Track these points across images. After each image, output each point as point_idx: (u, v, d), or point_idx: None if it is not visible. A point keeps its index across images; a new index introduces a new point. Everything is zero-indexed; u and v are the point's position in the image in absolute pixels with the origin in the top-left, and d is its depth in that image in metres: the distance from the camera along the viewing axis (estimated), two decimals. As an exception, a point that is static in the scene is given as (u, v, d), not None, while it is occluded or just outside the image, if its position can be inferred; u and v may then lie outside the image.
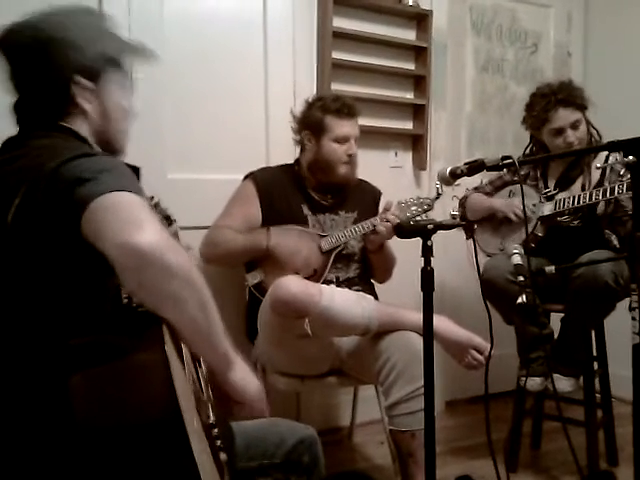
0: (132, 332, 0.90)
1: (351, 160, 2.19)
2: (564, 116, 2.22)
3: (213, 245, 2.13)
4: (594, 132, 2.32)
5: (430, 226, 1.37)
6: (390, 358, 1.83)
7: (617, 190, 2.01)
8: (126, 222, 0.85)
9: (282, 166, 2.31)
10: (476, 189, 2.50)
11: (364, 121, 2.40)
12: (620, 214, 2.17)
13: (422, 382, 1.34)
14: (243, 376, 1.01)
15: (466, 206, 2.47)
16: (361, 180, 2.34)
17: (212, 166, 2.40)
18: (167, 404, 0.78)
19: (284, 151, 2.44)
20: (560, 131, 2.24)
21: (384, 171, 2.78)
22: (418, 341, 1.69)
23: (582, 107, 2.25)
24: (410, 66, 2.84)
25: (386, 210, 2.14)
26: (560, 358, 2.17)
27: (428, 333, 1.37)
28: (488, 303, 1.51)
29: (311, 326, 1.82)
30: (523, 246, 1.69)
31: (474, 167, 1.47)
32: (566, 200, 2.18)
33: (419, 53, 2.83)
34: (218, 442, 0.93)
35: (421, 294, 1.35)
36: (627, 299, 2.07)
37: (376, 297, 2.19)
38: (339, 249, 2.16)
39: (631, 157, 1.30)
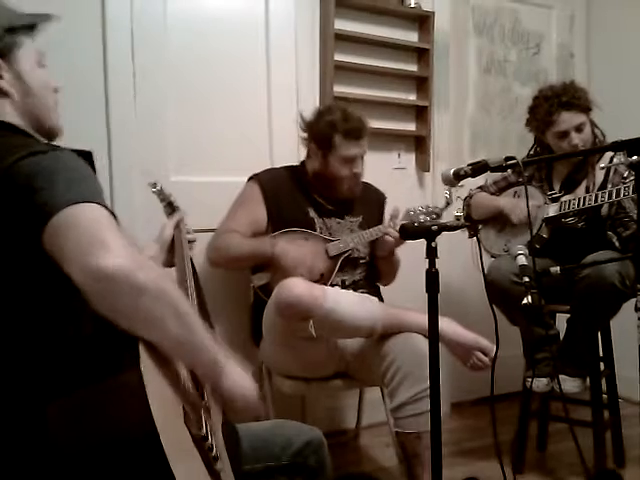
0: (108, 353, 0.87)
1: (356, 178, 2.17)
2: (568, 119, 2.21)
3: (219, 250, 2.13)
4: (598, 133, 2.31)
5: (434, 227, 1.37)
6: (395, 360, 1.82)
7: (623, 192, 2.00)
8: (89, 243, 0.81)
9: (287, 167, 2.30)
10: (481, 188, 2.50)
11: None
12: (621, 215, 2.17)
13: (428, 384, 1.34)
14: (234, 381, 0.97)
15: (471, 205, 2.47)
16: (366, 183, 2.33)
17: (215, 168, 2.40)
18: (143, 425, 0.75)
19: (287, 153, 2.44)
20: (564, 134, 2.23)
21: (387, 173, 2.78)
22: (423, 343, 1.68)
23: (586, 109, 2.25)
24: (412, 68, 2.84)
25: (394, 217, 2.14)
26: (566, 359, 2.16)
27: (433, 335, 1.37)
28: (493, 304, 1.50)
29: (316, 328, 1.82)
30: (528, 247, 1.68)
31: (478, 168, 1.47)
32: (571, 202, 2.17)
33: (421, 54, 2.83)
34: (213, 453, 0.91)
35: (426, 296, 1.35)
36: (633, 299, 2.07)
37: (381, 299, 2.19)
38: (346, 255, 2.16)
39: (635, 157, 1.30)
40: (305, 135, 2.22)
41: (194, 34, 2.36)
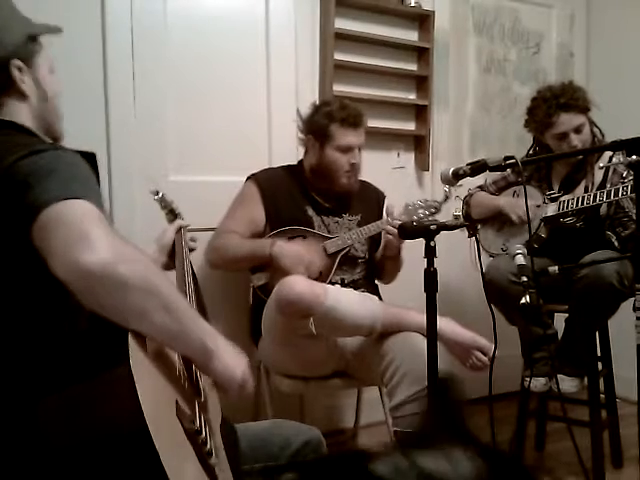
0: (101, 348, 0.88)
1: (353, 169, 2.17)
2: (567, 121, 2.21)
3: (218, 251, 2.14)
4: (597, 132, 2.31)
5: (433, 227, 1.37)
6: (394, 359, 1.83)
7: (621, 192, 2.01)
8: (73, 239, 0.82)
9: (285, 167, 2.31)
10: (480, 187, 2.50)
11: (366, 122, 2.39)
12: (620, 215, 2.17)
13: (426, 383, 1.34)
14: (225, 363, 0.97)
15: (471, 204, 2.47)
16: (364, 182, 2.33)
17: (214, 168, 2.40)
18: (133, 420, 0.75)
19: (287, 152, 2.44)
20: (564, 136, 2.22)
21: (386, 172, 2.78)
22: (423, 342, 1.68)
23: (584, 109, 2.24)
24: (412, 67, 2.84)
25: (390, 214, 2.14)
26: (564, 359, 2.17)
27: (432, 334, 1.37)
28: (491, 304, 1.50)
29: (316, 326, 1.82)
30: (526, 247, 1.68)
31: (477, 167, 1.47)
32: (570, 201, 2.17)
33: (421, 54, 2.83)
34: (206, 447, 0.91)
35: (424, 295, 1.35)
36: (631, 299, 2.08)
37: (380, 298, 2.19)
38: (345, 252, 2.16)
39: (634, 156, 1.30)
40: (302, 134, 2.23)
41: (194, 33, 2.36)
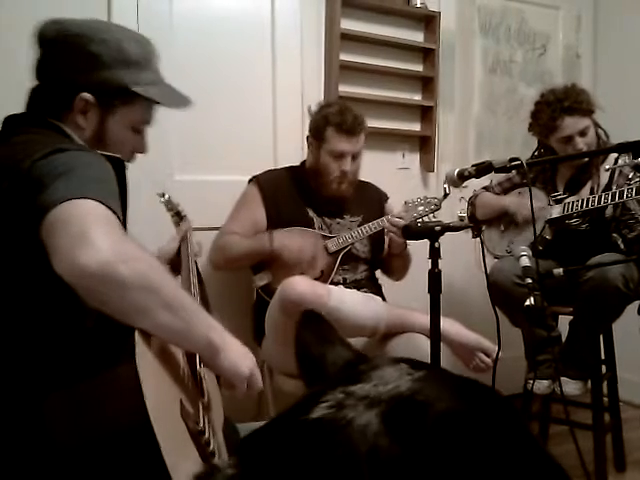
0: (106, 346, 0.88)
1: (344, 177, 2.14)
2: (572, 125, 2.20)
3: (220, 251, 2.15)
4: (602, 133, 2.30)
5: (438, 228, 1.37)
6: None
7: (626, 193, 2.00)
8: (74, 239, 0.82)
9: (288, 168, 2.31)
10: (485, 188, 2.50)
11: (372, 123, 2.39)
12: (626, 217, 2.16)
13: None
14: (233, 359, 0.97)
15: (476, 204, 2.46)
16: (366, 183, 2.33)
17: (220, 167, 2.40)
18: (137, 419, 0.75)
19: (292, 153, 2.44)
20: (569, 139, 2.22)
21: (391, 173, 2.78)
22: (426, 343, 1.68)
23: (589, 112, 2.23)
24: (418, 68, 2.84)
25: (388, 212, 2.15)
26: (568, 361, 2.16)
27: (435, 335, 1.37)
28: (495, 306, 1.50)
29: (318, 327, 1.82)
30: (531, 248, 1.68)
31: (482, 169, 1.47)
32: (575, 203, 2.16)
33: (427, 54, 2.82)
34: (210, 448, 0.91)
35: (428, 296, 1.35)
36: (636, 302, 2.07)
37: (384, 299, 2.19)
38: (346, 250, 2.16)
39: (640, 159, 1.30)
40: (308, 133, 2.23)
41: (200, 34, 2.36)
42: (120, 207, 0.94)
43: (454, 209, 2.59)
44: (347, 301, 1.85)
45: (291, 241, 2.11)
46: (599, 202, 2.08)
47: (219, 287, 2.31)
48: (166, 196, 1.78)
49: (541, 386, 2.16)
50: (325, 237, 2.17)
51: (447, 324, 1.79)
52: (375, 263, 2.28)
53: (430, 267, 1.38)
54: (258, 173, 2.26)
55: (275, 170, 2.33)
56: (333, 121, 2.10)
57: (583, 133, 2.21)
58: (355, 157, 2.15)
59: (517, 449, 0.39)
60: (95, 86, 1.10)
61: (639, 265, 2.06)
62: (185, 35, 2.33)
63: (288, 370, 2.08)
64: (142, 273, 0.86)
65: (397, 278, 2.33)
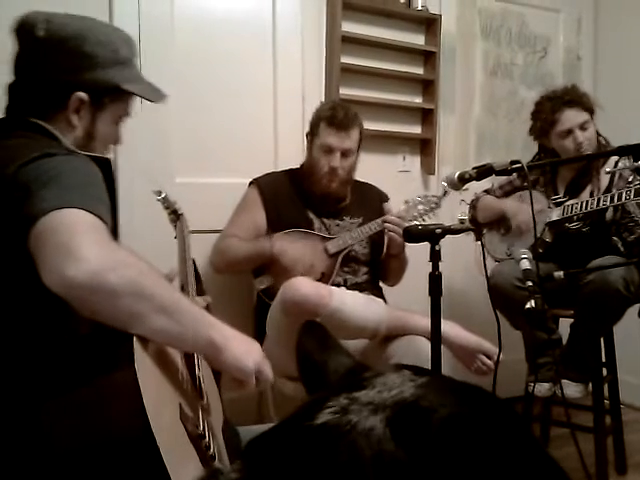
0: (103, 351, 0.88)
1: (334, 174, 2.13)
2: (572, 117, 2.21)
3: (220, 254, 2.15)
4: (602, 140, 2.31)
5: (438, 230, 1.37)
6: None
7: (625, 196, 2.00)
8: (60, 251, 0.82)
9: (287, 171, 2.31)
10: (487, 191, 2.50)
11: (372, 125, 2.40)
12: (626, 220, 2.16)
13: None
14: (237, 355, 0.96)
15: (477, 207, 2.47)
16: (366, 184, 2.33)
17: (221, 170, 2.41)
18: (137, 423, 0.76)
19: (292, 156, 2.44)
20: (569, 132, 2.22)
21: (392, 175, 2.78)
22: (427, 346, 1.68)
23: (589, 109, 2.24)
24: (419, 70, 2.84)
25: (387, 211, 2.16)
26: (569, 364, 2.16)
27: (436, 338, 1.37)
28: (496, 308, 1.50)
29: (320, 328, 1.82)
30: (531, 251, 1.68)
31: (482, 172, 1.47)
32: (574, 206, 2.16)
33: (428, 57, 2.83)
34: (210, 452, 0.91)
35: (429, 299, 1.35)
36: (637, 305, 2.07)
37: (385, 301, 2.19)
38: (346, 251, 2.16)
39: (641, 162, 1.30)
40: None
41: (201, 36, 2.36)
42: (109, 210, 0.93)
43: (454, 212, 2.59)
44: (349, 302, 1.85)
45: (291, 244, 2.11)
46: (598, 204, 2.08)
47: (220, 290, 2.30)
48: (163, 194, 1.78)
49: (542, 389, 2.16)
50: (325, 239, 2.17)
51: (448, 326, 1.80)
52: (376, 266, 2.28)
53: (431, 270, 1.38)
54: (257, 176, 2.26)
55: (275, 173, 2.33)
56: (324, 116, 2.13)
57: (583, 127, 2.21)
58: (346, 155, 2.13)
59: (520, 453, 0.39)
60: (89, 85, 1.10)
61: (639, 268, 2.06)
62: (186, 37, 2.33)
63: (289, 372, 2.07)
64: (132, 280, 0.85)
65: (392, 283, 2.33)
